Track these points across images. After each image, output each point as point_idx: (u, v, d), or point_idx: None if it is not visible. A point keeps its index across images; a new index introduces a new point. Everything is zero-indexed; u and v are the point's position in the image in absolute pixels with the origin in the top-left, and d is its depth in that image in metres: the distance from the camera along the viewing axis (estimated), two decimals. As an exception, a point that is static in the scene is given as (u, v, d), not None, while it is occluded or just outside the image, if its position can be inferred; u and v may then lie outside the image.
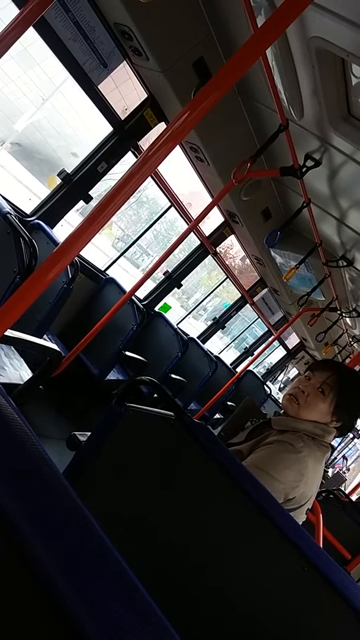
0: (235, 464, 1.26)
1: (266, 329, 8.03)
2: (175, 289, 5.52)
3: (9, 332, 1.57)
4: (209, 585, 1.26)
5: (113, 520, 1.07)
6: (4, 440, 0.50)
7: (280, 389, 13.95)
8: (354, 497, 5.25)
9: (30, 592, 0.42)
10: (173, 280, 5.40)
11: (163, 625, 0.44)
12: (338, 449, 15.05)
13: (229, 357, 8.69)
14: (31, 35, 2.16)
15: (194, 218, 3.52)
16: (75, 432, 1.62)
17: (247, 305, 6.88)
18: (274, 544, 1.19)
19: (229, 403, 7.14)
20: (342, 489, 6.81)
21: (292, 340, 9.50)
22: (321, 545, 2.39)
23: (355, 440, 16.07)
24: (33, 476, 0.48)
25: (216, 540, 1.28)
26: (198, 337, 6.45)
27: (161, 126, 3.44)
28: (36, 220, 3.40)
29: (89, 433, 1.54)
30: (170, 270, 5.41)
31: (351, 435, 14.95)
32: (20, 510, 0.44)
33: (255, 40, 1.26)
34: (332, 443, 1.86)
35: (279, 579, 1.22)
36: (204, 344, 6.29)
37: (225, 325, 7.06)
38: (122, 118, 3.36)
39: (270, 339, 6.73)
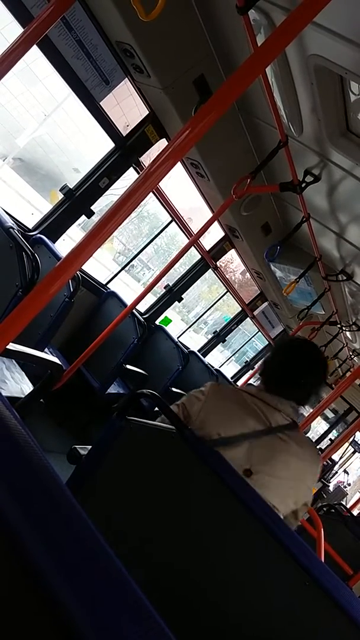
0: (236, 477, 1.26)
1: (267, 342, 8.03)
2: (176, 302, 5.53)
3: (11, 346, 1.58)
4: (208, 599, 1.25)
5: (113, 533, 1.07)
6: (8, 453, 0.50)
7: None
8: (355, 512, 5.22)
9: (33, 605, 0.42)
10: (174, 294, 5.41)
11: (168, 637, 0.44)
12: (339, 462, 14.95)
13: (229, 370, 8.68)
14: (34, 52, 2.19)
15: (195, 233, 3.54)
16: (76, 446, 1.63)
17: (248, 318, 6.89)
18: (275, 558, 1.18)
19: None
20: (344, 503, 6.76)
21: (293, 354, 9.46)
22: (323, 561, 2.37)
23: (357, 454, 15.97)
24: (38, 489, 0.48)
25: (217, 553, 1.27)
26: (199, 351, 6.44)
27: (162, 142, 3.48)
28: (38, 235, 3.42)
29: (89, 446, 1.54)
30: (171, 284, 5.43)
31: (352, 450, 14.87)
32: (24, 523, 0.44)
33: (255, 58, 1.28)
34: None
35: (280, 594, 1.22)
36: (204, 357, 6.28)
37: (226, 338, 7.05)
38: (124, 134, 3.40)
39: (270, 353, 6.72)
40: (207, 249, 5.21)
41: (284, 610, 1.22)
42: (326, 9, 1.19)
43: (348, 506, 4.80)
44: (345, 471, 17.58)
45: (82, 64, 2.77)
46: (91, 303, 4.56)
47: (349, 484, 17.73)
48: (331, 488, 12.47)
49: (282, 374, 1.78)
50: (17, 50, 1.82)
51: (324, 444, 11.54)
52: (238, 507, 1.22)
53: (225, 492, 1.24)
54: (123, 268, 6.17)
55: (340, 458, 14.96)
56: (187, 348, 5.95)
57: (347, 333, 6.01)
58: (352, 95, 2.12)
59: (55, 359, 2.04)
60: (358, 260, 3.68)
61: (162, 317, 5.58)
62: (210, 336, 7.14)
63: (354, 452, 15.56)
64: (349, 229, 3.32)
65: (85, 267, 4.14)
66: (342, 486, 14.87)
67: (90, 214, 3.58)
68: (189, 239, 4.45)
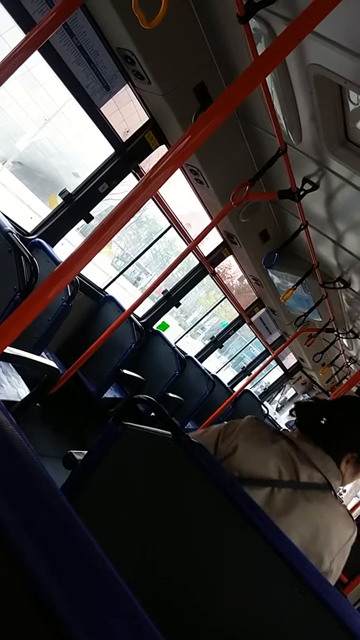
0: (231, 483, 1.26)
1: (264, 348, 8.03)
2: (174, 307, 5.54)
3: (8, 349, 1.58)
4: (203, 606, 1.25)
5: (108, 539, 1.06)
6: (4, 457, 0.50)
7: (277, 409, 13.88)
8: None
9: (29, 610, 0.42)
10: (171, 299, 5.42)
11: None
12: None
13: (226, 376, 8.68)
14: (35, 57, 2.20)
15: (193, 238, 3.55)
16: (72, 451, 1.62)
17: (245, 324, 6.90)
18: (270, 566, 1.18)
19: (226, 422, 7.10)
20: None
21: (290, 361, 9.50)
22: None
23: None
24: (33, 494, 0.48)
25: (212, 560, 1.27)
26: (196, 356, 6.44)
27: (162, 149, 3.49)
28: (37, 239, 3.42)
29: (85, 451, 1.54)
30: (169, 289, 5.43)
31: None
32: (19, 528, 0.44)
33: (255, 67, 1.29)
34: None
35: (275, 603, 1.21)
36: (201, 362, 6.28)
37: (223, 344, 7.05)
38: (124, 140, 3.41)
39: (267, 359, 6.73)
40: (206, 255, 5.22)
41: (279, 618, 1.21)
42: (326, 19, 1.20)
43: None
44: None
45: (83, 70, 2.78)
46: (89, 307, 4.56)
47: (345, 491, 17.69)
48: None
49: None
50: (18, 56, 1.83)
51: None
52: (234, 514, 1.22)
53: (221, 498, 1.23)
54: (121, 273, 6.18)
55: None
56: (184, 353, 5.96)
57: (344, 340, 6.02)
58: (351, 104, 2.13)
59: (52, 363, 2.04)
60: (355, 268, 3.70)
61: (159, 322, 5.58)
62: (207, 342, 7.14)
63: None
64: (347, 237, 3.33)
65: (83, 272, 4.15)
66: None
67: (89, 218, 3.59)
68: (187, 244, 4.46)
